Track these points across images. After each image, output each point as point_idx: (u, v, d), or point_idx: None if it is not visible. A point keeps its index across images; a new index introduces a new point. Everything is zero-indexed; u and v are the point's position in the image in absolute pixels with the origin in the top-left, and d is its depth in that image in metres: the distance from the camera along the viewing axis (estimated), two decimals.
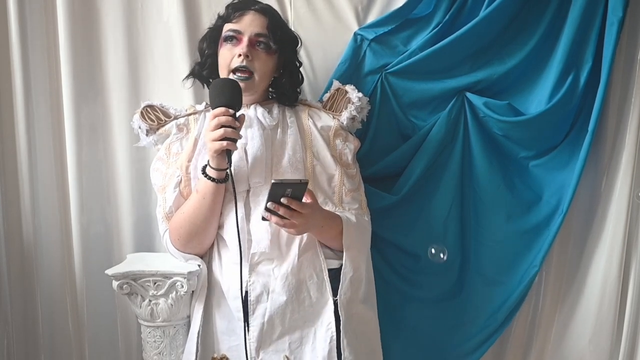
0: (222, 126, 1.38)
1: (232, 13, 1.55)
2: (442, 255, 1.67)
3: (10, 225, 1.84)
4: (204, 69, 1.62)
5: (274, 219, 1.38)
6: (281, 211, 1.36)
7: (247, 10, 1.54)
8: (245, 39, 1.52)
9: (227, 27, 1.55)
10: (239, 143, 1.47)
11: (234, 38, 1.53)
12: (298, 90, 1.67)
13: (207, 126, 1.43)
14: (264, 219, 1.40)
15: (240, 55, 1.50)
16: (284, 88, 1.62)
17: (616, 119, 1.75)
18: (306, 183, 1.36)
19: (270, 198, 1.35)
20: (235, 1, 1.58)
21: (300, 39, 1.65)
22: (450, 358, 1.84)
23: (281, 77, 1.60)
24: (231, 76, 1.52)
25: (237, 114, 1.43)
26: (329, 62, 1.84)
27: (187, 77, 1.66)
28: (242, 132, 1.48)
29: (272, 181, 1.32)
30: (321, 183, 1.56)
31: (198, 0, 1.82)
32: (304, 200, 1.39)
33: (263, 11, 1.55)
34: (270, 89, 1.64)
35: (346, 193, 1.58)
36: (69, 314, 1.91)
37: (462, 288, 1.84)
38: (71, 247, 1.86)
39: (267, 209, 1.37)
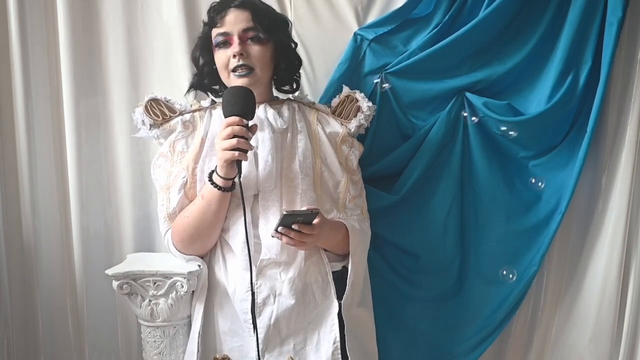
0: (235, 136, 1.38)
1: (214, 17, 1.53)
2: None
3: (10, 225, 1.84)
4: (203, 78, 1.60)
5: (284, 239, 1.40)
6: (292, 235, 1.38)
7: (227, 9, 1.51)
8: (235, 39, 1.50)
9: (215, 32, 1.53)
10: None
11: (225, 42, 1.51)
12: (297, 75, 1.65)
13: (218, 133, 1.41)
14: (272, 236, 1.42)
15: (235, 55, 1.49)
16: (282, 72, 1.60)
17: (616, 118, 1.75)
18: (317, 213, 1.38)
19: (281, 224, 1.37)
20: (214, 4, 1.56)
21: (289, 20, 1.64)
22: (449, 357, 1.84)
23: (279, 63, 1.58)
24: (232, 75, 1.51)
25: (250, 123, 1.42)
26: (329, 62, 1.84)
27: (189, 90, 1.64)
28: None
29: (284, 212, 1.34)
30: (328, 189, 1.56)
31: (198, 0, 1.82)
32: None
33: (243, 5, 1.52)
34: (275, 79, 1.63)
35: (350, 199, 1.58)
36: (69, 314, 1.91)
37: (461, 287, 1.84)
38: (71, 247, 1.86)
39: (278, 232, 1.39)
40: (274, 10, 1.62)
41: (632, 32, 1.72)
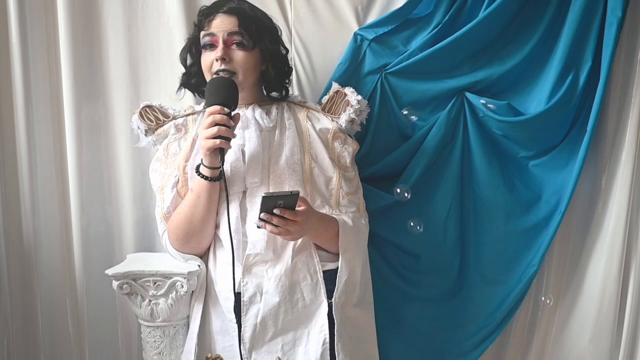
0: (217, 124, 1.39)
1: (203, 20, 1.55)
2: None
3: (10, 225, 1.84)
4: (191, 78, 1.63)
5: (268, 227, 1.39)
6: (274, 220, 1.37)
7: (216, 13, 1.54)
8: (220, 42, 1.52)
9: (202, 34, 1.56)
10: (237, 143, 1.48)
11: (211, 44, 1.54)
12: (287, 81, 1.67)
13: (201, 123, 1.44)
14: (257, 226, 1.41)
15: (217, 59, 1.51)
16: (270, 79, 1.61)
17: (616, 118, 1.75)
18: (297, 194, 1.37)
19: (263, 209, 1.36)
20: (203, 8, 1.58)
21: (279, 27, 1.65)
22: (449, 357, 1.83)
23: (267, 69, 1.60)
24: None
25: (233, 113, 1.43)
26: (329, 62, 1.84)
27: (179, 88, 1.66)
28: (239, 133, 1.50)
29: (262, 195, 1.34)
30: (319, 185, 1.57)
31: (198, 0, 1.82)
32: (297, 208, 1.40)
33: (231, 11, 1.54)
34: (264, 85, 1.65)
35: (343, 196, 1.58)
36: (69, 314, 1.90)
37: (461, 287, 1.84)
38: (71, 247, 1.86)
39: (260, 219, 1.38)
40: (264, 17, 1.62)
41: (632, 32, 1.72)
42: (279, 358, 1.45)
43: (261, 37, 1.56)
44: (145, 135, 1.60)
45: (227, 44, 1.52)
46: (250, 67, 1.55)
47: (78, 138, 1.82)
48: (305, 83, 1.86)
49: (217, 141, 1.38)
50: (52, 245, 1.88)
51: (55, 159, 1.86)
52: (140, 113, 1.61)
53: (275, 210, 1.36)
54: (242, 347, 1.44)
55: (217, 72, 1.51)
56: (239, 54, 1.53)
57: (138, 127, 1.60)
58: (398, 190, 1.65)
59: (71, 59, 1.79)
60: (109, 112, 1.86)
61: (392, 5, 1.82)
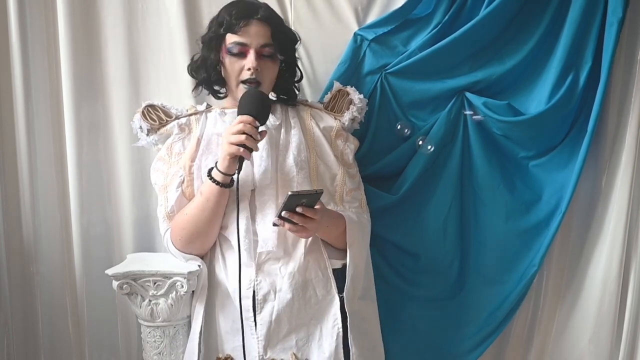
0: (244, 133, 1.39)
1: (235, 23, 1.51)
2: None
3: (10, 225, 1.84)
4: (211, 78, 1.60)
5: (287, 225, 1.41)
6: (296, 219, 1.39)
7: (250, 19, 1.51)
8: (252, 52, 1.51)
9: (232, 38, 1.52)
10: None
11: (241, 52, 1.52)
12: (297, 86, 1.68)
13: (228, 127, 1.44)
14: (274, 224, 1.43)
15: (249, 69, 1.50)
16: (287, 86, 1.63)
17: (616, 119, 1.75)
18: (321, 193, 1.40)
19: (285, 208, 1.38)
20: (233, 7, 1.53)
21: (299, 36, 1.66)
22: (449, 357, 1.84)
23: (283, 76, 1.61)
24: (241, 85, 1.53)
25: (260, 128, 1.45)
26: (329, 62, 1.84)
27: (196, 87, 1.64)
28: None
29: (289, 193, 1.35)
30: (325, 182, 1.58)
31: (199, 0, 1.82)
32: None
33: (266, 19, 1.52)
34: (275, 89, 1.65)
35: (347, 192, 1.60)
36: (69, 314, 1.91)
37: (461, 287, 1.84)
38: (71, 247, 1.86)
39: (281, 217, 1.39)
40: (288, 27, 1.63)
41: (632, 33, 1.72)
42: (294, 354, 1.46)
43: (288, 48, 1.58)
44: (147, 134, 1.60)
45: (258, 54, 1.51)
46: (274, 77, 1.57)
47: (78, 138, 1.82)
48: (305, 83, 1.86)
49: (241, 149, 1.39)
50: (52, 245, 1.88)
51: (55, 159, 1.86)
52: (143, 112, 1.60)
53: (297, 209, 1.38)
54: (257, 345, 1.45)
55: (246, 81, 1.51)
56: (268, 65, 1.53)
57: (140, 127, 1.59)
58: (420, 142, 1.65)
59: (71, 59, 1.79)
60: (108, 112, 1.86)
61: (392, 6, 1.82)
